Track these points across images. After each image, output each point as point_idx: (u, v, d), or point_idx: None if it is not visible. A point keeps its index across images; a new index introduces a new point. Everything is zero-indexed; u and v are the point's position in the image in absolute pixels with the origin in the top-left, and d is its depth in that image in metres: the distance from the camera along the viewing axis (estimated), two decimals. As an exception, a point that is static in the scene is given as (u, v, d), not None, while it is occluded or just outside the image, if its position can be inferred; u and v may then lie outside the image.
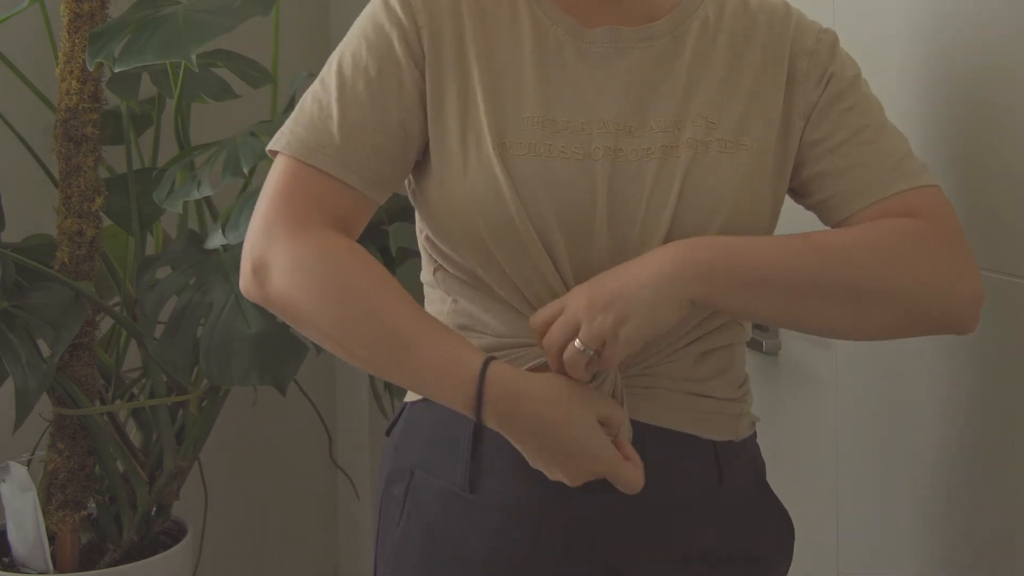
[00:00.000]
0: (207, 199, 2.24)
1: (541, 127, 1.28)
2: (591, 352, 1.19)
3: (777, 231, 1.33)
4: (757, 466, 1.40)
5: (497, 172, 1.25)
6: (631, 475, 1.21)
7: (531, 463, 1.24)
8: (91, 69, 2.08)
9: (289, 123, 1.31)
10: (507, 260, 1.27)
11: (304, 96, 1.33)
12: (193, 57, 1.94)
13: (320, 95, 1.31)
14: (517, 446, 1.23)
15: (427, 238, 1.35)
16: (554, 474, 1.22)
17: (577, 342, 1.19)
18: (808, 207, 1.38)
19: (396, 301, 1.24)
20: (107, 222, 2.23)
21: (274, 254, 1.24)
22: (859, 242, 1.24)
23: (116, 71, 2.03)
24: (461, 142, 1.28)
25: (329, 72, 1.32)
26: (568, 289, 1.26)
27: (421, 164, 1.32)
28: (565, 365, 1.21)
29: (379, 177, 1.30)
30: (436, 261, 1.34)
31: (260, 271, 1.25)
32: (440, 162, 1.29)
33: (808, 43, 1.34)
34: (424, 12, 1.31)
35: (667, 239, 1.25)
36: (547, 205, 1.25)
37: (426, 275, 1.37)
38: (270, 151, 1.31)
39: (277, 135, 1.31)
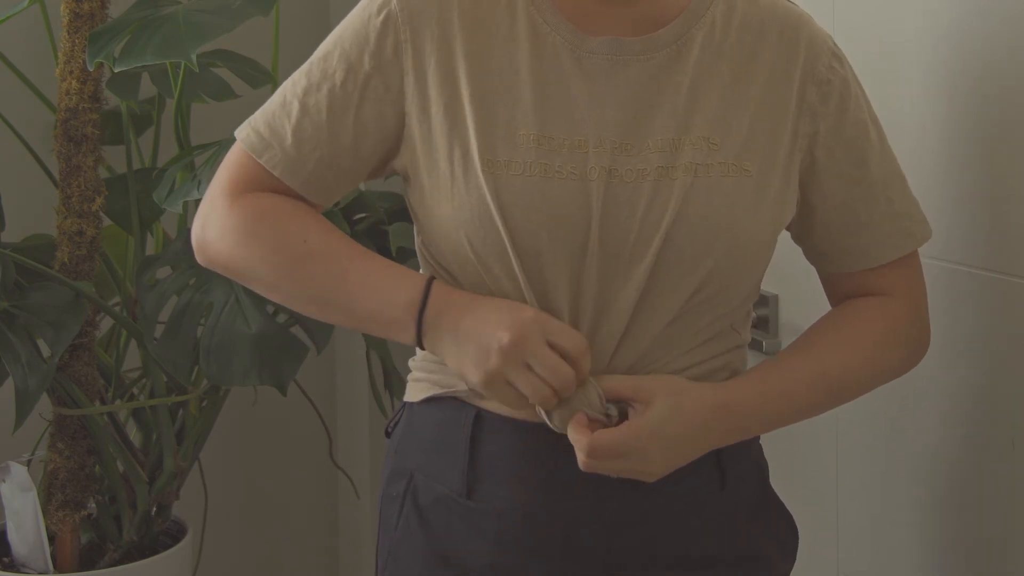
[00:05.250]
0: (207, 199, 2.24)
1: (537, 145, 1.24)
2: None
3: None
4: (760, 468, 1.39)
5: (486, 193, 1.23)
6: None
7: (456, 367, 1.23)
8: (91, 69, 2.08)
9: (258, 112, 1.35)
10: (493, 281, 1.26)
11: (284, 83, 1.34)
12: (193, 57, 1.94)
13: (289, 90, 1.33)
14: (448, 349, 1.23)
15: (422, 243, 1.34)
16: (479, 365, 1.21)
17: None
18: (799, 244, 1.38)
19: (330, 239, 1.29)
20: (107, 222, 2.23)
21: (211, 222, 1.32)
22: (864, 369, 1.34)
23: (116, 71, 2.02)
24: (448, 160, 1.26)
25: (304, 66, 1.33)
26: (549, 309, 1.25)
27: (413, 178, 1.31)
28: (590, 464, 1.22)
29: (323, 185, 1.32)
30: (430, 266, 1.33)
31: (200, 239, 1.33)
32: (429, 180, 1.28)
33: (820, 71, 1.31)
34: (407, 25, 1.28)
35: (656, 264, 1.23)
36: (541, 225, 1.23)
37: (422, 277, 1.37)
38: (236, 135, 1.34)
39: (245, 121, 1.35)
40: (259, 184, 1.32)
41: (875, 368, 1.35)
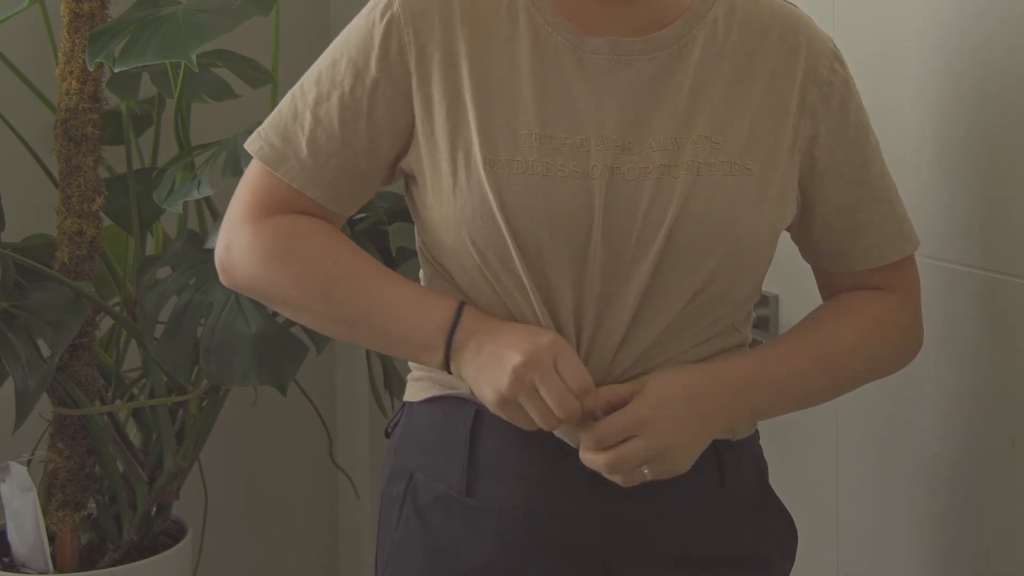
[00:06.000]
0: (207, 199, 2.24)
1: (539, 144, 1.25)
2: (646, 472, 1.24)
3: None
4: (760, 468, 1.39)
5: (487, 192, 1.23)
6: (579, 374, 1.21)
7: (474, 387, 1.24)
8: (91, 69, 2.08)
9: (267, 123, 1.34)
10: (496, 280, 1.26)
11: (288, 94, 1.34)
12: (193, 57, 1.94)
13: (298, 100, 1.33)
14: (468, 370, 1.24)
15: (423, 243, 1.34)
16: (493, 385, 1.22)
17: (647, 470, 1.23)
18: (797, 243, 1.39)
19: (358, 262, 1.30)
20: (107, 222, 2.23)
21: (237, 245, 1.32)
22: (859, 348, 1.35)
23: (116, 71, 2.02)
24: (451, 160, 1.26)
25: (312, 75, 1.33)
26: (550, 315, 1.25)
27: (415, 177, 1.31)
28: (613, 460, 1.22)
29: (343, 192, 1.32)
30: (432, 267, 1.34)
31: (226, 262, 1.34)
32: (432, 179, 1.28)
33: (822, 72, 1.31)
34: (411, 27, 1.29)
35: (659, 262, 1.24)
36: (543, 224, 1.23)
37: (423, 279, 1.37)
38: (247, 148, 1.34)
39: (255, 133, 1.34)
40: (279, 199, 1.32)
41: (871, 351, 1.36)
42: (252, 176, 1.34)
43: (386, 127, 1.30)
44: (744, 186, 1.26)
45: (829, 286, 1.40)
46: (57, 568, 2.17)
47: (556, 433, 1.25)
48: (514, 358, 1.20)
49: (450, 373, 1.27)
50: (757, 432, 1.39)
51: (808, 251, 1.39)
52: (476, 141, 1.25)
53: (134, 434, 2.31)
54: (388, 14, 1.30)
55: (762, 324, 1.78)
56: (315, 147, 1.30)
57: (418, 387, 1.36)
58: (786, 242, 1.38)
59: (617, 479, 1.23)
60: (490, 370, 1.23)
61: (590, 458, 1.23)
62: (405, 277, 1.31)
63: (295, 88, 1.34)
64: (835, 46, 1.33)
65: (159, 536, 2.31)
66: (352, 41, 1.31)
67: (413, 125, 1.29)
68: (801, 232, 1.37)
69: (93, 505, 2.25)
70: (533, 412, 1.21)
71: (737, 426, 1.32)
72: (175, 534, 2.32)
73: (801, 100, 1.30)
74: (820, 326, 1.35)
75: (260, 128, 1.34)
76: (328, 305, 1.31)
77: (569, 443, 1.26)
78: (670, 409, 1.23)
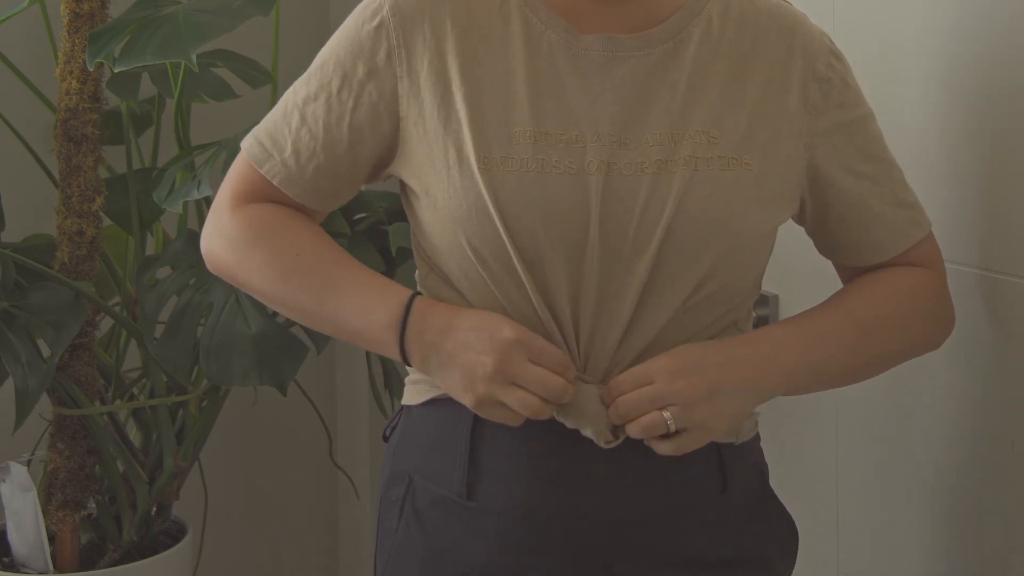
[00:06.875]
0: (207, 199, 2.24)
1: (533, 141, 1.24)
2: (672, 428, 1.23)
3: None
4: (761, 470, 1.39)
5: (483, 191, 1.23)
6: (556, 352, 1.22)
7: (442, 382, 1.25)
8: (91, 69, 2.08)
9: (262, 122, 1.36)
10: (493, 279, 1.26)
11: (287, 92, 1.36)
12: (193, 57, 1.94)
13: (290, 100, 1.34)
14: (434, 372, 1.25)
15: (419, 243, 1.34)
16: (467, 390, 1.22)
17: (668, 415, 1.22)
18: (813, 239, 1.38)
19: (322, 252, 1.32)
20: (107, 222, 2.23)
21: (216, 234, 1.35)
22: (892, 318, 1.34)
23: (116, 71, 2.02)
24: (444, 161, 1.26)
25: (305, 76, 1.34)
26: (549, 312, 1.25)
27: (409, 180, 1.31)
28: (642, 426, 1.23)
29: (324, 193, 1.34)
30: (427, 266, 1.33)
31: (206, 249, 1.37)
32: (426, 181, 1.28)
33: (820, 69, 1.31)
34: (400, 30, 1.29)
35: (657, 259, 1.23)
36: (538, 221, 1.23)
37: (419, 277, 1.37)
38: (241, 145, 1.36)
39: (251, 131, 1.36)
40: (261, 193, 1.34)
41: (905, 319, 1.35)
42: (238, 168, 1.36)
43: (368, 131, 1.30)
44: (742, 181, 1.26)
45: (851, 277, 1.40)
46: (57, 568, 2.17)
47: (569, 424, 1.25)
48: (485, 362, 1.21)
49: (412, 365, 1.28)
50: (758, 435, 1.39)
51: (823, 246, 1.39)
52: (469, 140, 1.25)
53: (134, 434, 2.31)
54: (378, 17, 1.30)
55: (762, 324, 1.78)
56: (298, 147, 1.32)
57: (415, 390, 1.36)
58: (786, 241, 1.38)
59: (636, 430, 1.23)
60: (458, 375, 1.23)
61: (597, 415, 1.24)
62: (366, 268, 1.31)
63: (291, 87, 1.35)
64: (831, 41, 1.34)
65: (159, 536, 2.31)
66: (342, 42, 1.32)
67: (398, 129, 1.30)
68: (816, 228, 1.37)
69: (93, 505, 2.25)
70: (516, 404, 1.22)
71: (773, 388, 1.29)
72: (175, 534, 2.33)
73: (802, 98, 1.30)
74: (852, 297, 1.35)
75: (256, 127, 1.36)
76: (288, 297, 1.32)
77: (589, 435, 1.25)
78: (685, 358, 1.24)
